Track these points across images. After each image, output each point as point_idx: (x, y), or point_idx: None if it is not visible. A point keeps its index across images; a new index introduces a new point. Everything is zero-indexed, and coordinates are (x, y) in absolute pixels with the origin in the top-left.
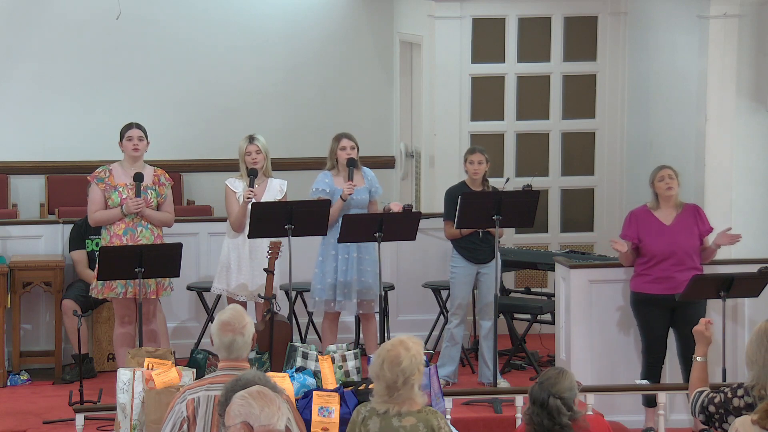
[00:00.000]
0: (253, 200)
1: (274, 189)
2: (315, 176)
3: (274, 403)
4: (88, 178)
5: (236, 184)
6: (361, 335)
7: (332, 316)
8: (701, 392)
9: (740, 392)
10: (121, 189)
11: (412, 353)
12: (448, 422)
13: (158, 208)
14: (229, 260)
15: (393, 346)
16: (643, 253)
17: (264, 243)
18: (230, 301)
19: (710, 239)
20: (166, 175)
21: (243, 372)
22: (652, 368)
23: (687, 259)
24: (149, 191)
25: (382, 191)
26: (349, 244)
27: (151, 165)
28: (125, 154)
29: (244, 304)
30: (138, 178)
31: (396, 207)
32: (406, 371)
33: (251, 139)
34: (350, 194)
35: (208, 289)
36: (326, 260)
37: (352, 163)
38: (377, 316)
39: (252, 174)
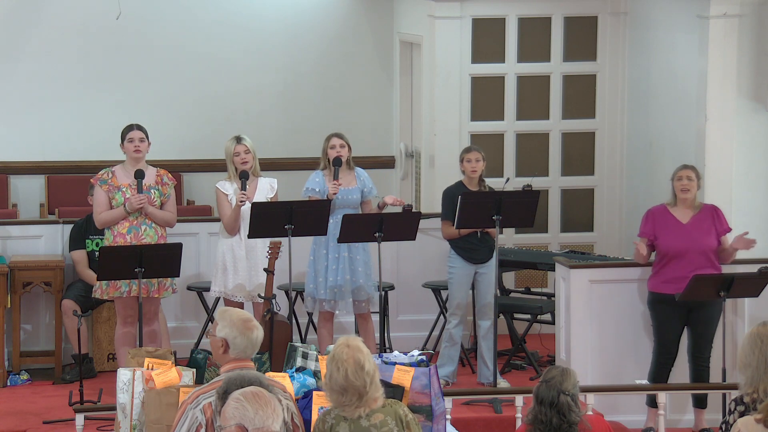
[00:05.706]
0: (246, 202)
1: (265, 188)
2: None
3: (270, 405)
4: (91, 180)
5: (226, 186)
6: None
7: (326, 316)
8: None
9: (732, 406)
10: (124, 189)
11: (365, 352)
12: (448, 422)
13: (161, 207)
14: (225, 261)
15: (347, 353)
16: (658, 251)
17: (260, 243)
18: (227, 302)
19: (729, 239)
20: (169, 175)
21: (245, 371)
22: (662, 369)
23: (702, 259)
24: (152, 191)
25: (376, 192)
26: (339, 244)
27: (152, 166)
28: (127, 156)
29: (241, 305)
30: (139, 174)
31: (390, 200)
32: (370, 372)
33: (238, 139)
34: (335, 194)
35: (207, 289)
36: (318, 260)
37: (337, 163)
38: (373, 315)
39: (243, 176)
